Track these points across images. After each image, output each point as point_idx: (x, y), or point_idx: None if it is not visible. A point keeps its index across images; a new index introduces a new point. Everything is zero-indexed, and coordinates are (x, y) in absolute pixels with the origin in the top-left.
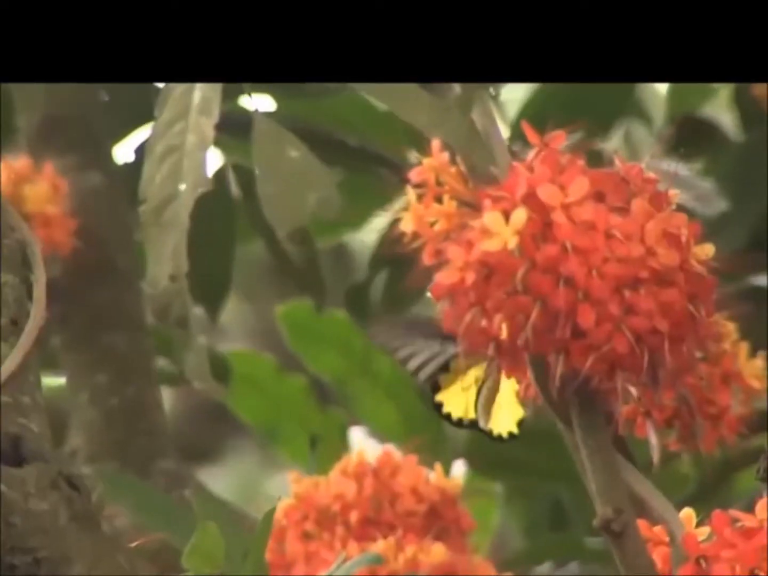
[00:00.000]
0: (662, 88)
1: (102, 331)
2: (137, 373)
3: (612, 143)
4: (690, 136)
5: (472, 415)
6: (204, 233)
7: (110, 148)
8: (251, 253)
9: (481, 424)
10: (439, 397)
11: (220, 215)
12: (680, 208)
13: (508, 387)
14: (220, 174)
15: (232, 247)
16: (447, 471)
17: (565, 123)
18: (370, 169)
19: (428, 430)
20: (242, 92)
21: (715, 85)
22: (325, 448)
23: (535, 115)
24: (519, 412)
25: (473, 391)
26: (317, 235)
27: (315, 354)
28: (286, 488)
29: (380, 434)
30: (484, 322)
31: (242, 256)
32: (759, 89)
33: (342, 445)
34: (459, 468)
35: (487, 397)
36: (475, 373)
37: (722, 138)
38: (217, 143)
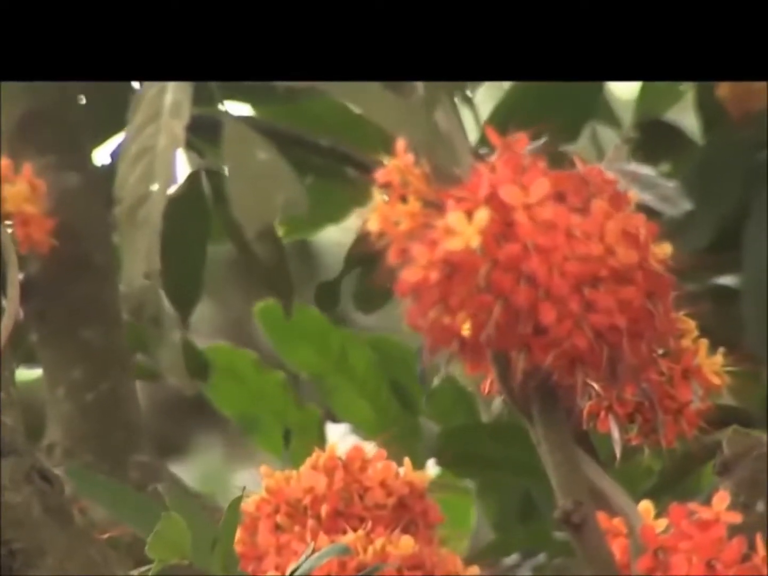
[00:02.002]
0: (629, 91)
1: (79, 327)
2: (114, 368)
3: (579, 145)
4: (655, 139)
5: None
6: (178, 234)
7: (88, 150)
8: (229, 252)
9: None
10: None
11: (194, 216)
12: (645, 208)
13: None
14: (193, 176)
15: (205, 246)
16: (420, 466)
17: (535, 125)
18: (343, 171)
19: (402, 426)
20: (216, 96)
21: (682, 88)
22: (301, 443)
23: (506, 117)
24: None
25: None
26: (289, 235)
27: (291, 350)
28: (253, 482)
29: (355, 430)
30: (447, 319)
31: (220, 255)
32: (723, 92)
33: (319, 440)
34: (432, 464)
35: None
36: None
37: (686, 140)
38: (192, 146)
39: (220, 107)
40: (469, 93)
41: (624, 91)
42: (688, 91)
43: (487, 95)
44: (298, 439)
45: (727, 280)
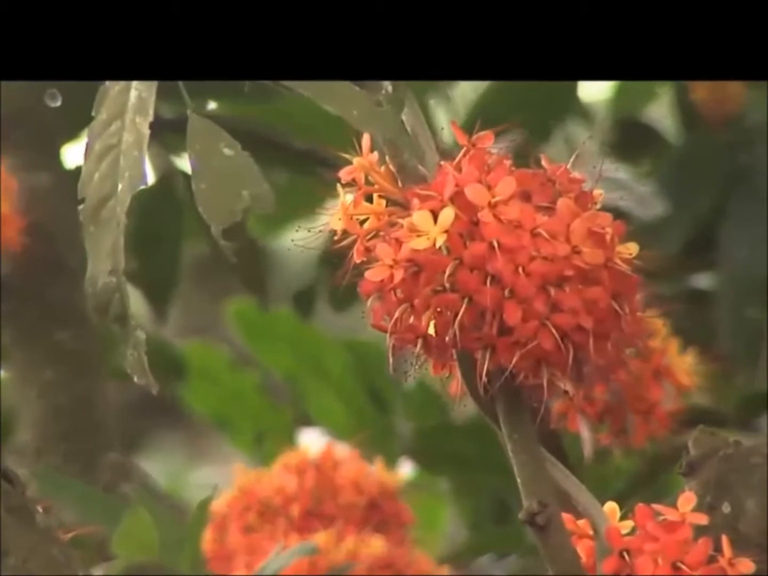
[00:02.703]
0: (605, 90)
1: (51, 328)
2: (86, 369)
3: (554, 145)
4: (631, 140)
5: None
6: (153, 231)
7: (60, 149)
8: (203, 250)
9: None
10: None
11: (168, 214)
12: (619, 211)
13: None
14: (167, 174)
15: (180, 244)
16: (393, 466)
17: (508, 124)
18: (314, 170)
19: (375, 427)
20: (182, 94)
21: (657, 89)
22: (274, 444)
23: (480, 116)
24: None
25: None
26: (262, 234)
27: (265, 350)
28: (216, 479)
29: (328, 430)
30: (412, 319)
31: (195, 253)
32: (698, 96)
33: (291, 441)
34: (406, 464)
35: None
36: None
37: (663, 141)
38: (166, 144)
39: (186, 104)
40: (448, 93)
41: (598, 92)
42: (664, 91)
43: (465, 96)
44: (270, 440)
45: (701, 281)
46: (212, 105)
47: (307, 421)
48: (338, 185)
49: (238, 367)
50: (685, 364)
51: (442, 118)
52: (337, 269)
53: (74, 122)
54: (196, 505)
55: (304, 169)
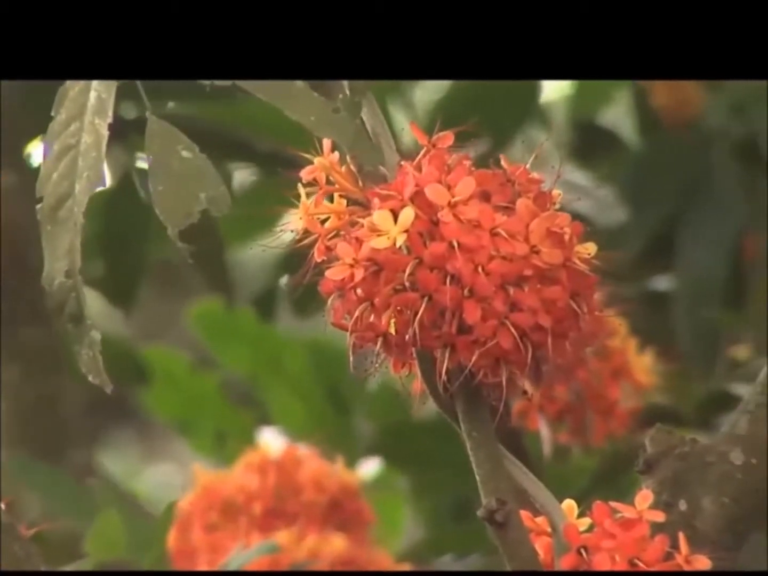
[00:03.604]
0: (562, 93)
1: (15, 326)
2: (50, 367)
3: (512, 146)
4: (590, 143)
5: None
6: (116, 234)
7: (24, 149)
8: (167, 252)
9: None
10: None
11: (132, 216)
12: (577, 214)
13: None
14: (131, 176)
15: (145, 245)
16: (353, 466)
17: (469, 125)
18: (277, 171)
19: (336, 427)
20: (141, 94)
21: (614, 92)
22: (234, 445)
23: (441, 117)
24: None
25: None
26: (228, 237)
27: (227, 351)
28: (173, 476)
29: (289, 431)
30: (372, 318)
31: (158, 255)
32: (657, 100)
33: (251, 443)
34: (369, 464)
35: None
36: None
37: (620, 145)
38: (130, 145)
39: (145, 105)
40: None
41: (556, 94)
42: (622, 94)
43: (424, 95)
44: (231, 442)
45: (660, 283)
46: (172, 105)
47: (268, 423)
48: (299, 185)
49: (198, 369)
50: (643, 364)
51: (401, 119)
52: (297, 270)
53: (39, 122)
54: (156, 502)
55: (265, 169)
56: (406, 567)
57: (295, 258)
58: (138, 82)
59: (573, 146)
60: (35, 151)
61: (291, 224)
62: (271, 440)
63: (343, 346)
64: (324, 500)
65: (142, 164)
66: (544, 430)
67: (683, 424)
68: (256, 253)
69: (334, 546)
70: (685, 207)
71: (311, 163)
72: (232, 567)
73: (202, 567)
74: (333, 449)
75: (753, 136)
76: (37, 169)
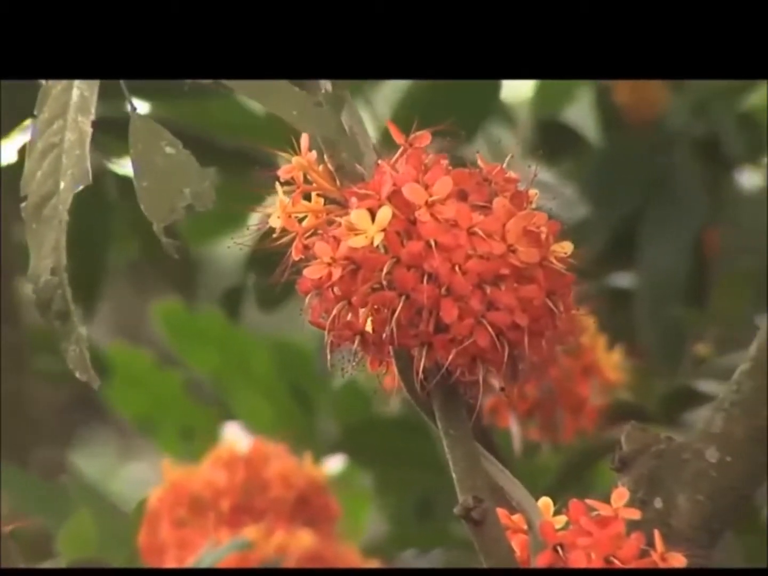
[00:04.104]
0: (525, 91)
1: None
2: (16, 366)
3: (477, 145)
4: (553, 140)
5: None
6: (82, 231)
7: None
8: (130, 251)
9: None
10: None
11: (96, 215)
12: (543, 211)
13: None
14: (98, 175)
15: (108, 244)
16: (317, 463)
17: (433, 125)
18: (248, 171)
19: (300, 425)
20: (123, 93)
21: (576, 91)
22: (199, 443)
23: (404, 116)
24: None
25: None
26: (195, 237)
27: (191, 350)
28: (147, 474)
29: (254, 429)
30: (350, 316)
31: (121, 254)
32: (620, 98)
33: (216, 440)
34: (335, 460)
35: None
36: None
37: (583, 143)
38: (98, 145)
39: (127, 103)
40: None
41: (519, 93)
42: (584, 93)
43: (384, 96)
44: (197, 440)
45: (623, 280)
46: (145, 105)
47: (233, 419)
48: (277, 184)
49: (162, 367)
50: (612, 361)
51: (363, 118)
52: (264, 269)
53: (11, 120)
54: (132, 501)
55: (240, 168)
56: (374, 562)
57: (262, 257)
58: (121, 82)
59: (535, 144)
60: (5, 150)
61: (268, 222)
62: (237, 436)
63: (308, 345)
64: (291, 496)
65: (111, 164)
66: (515, 427)
67: (648, 420)
68: (222, 252)
69: (302, 541)
70: (647, 204)
71: (288, 161)
72: (205, 564)
73: (171, 563)
74: (298, 447)
75: (714, 135)
76: (7, 169)
